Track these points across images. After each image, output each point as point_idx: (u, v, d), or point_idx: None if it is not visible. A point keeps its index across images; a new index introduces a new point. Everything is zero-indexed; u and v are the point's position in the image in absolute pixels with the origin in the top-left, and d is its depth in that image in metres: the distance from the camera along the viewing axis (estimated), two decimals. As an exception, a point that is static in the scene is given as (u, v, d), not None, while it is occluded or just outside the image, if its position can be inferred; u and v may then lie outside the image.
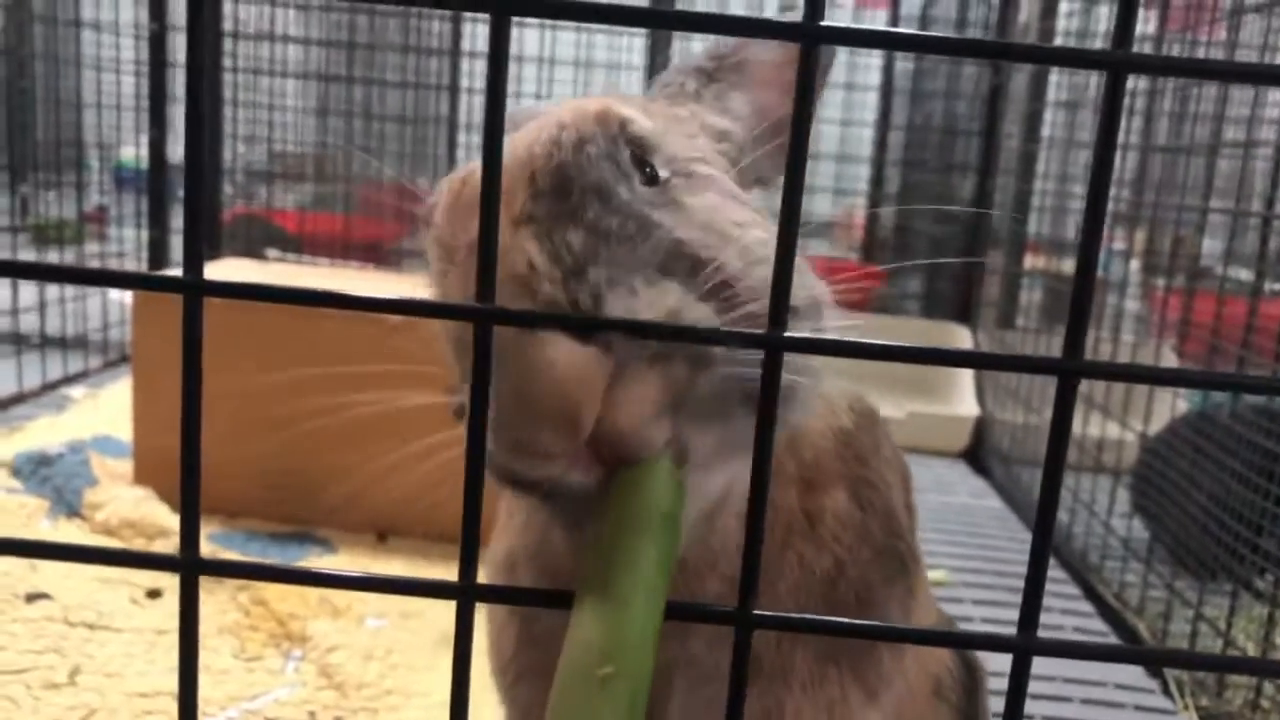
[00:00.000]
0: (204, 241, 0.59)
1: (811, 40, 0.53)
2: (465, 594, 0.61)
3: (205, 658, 1.85)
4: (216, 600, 2.04)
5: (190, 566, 0.60)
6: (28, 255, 4.12)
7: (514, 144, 0.71)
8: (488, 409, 0.57)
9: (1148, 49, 3.84)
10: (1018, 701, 0.57)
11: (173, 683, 1.96)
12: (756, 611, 0.59)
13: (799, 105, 0.56)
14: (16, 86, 3.53)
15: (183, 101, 0.55)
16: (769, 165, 0.91)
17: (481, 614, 1.06)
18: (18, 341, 3.40)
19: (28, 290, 3.84)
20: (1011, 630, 0.58)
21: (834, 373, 0.78)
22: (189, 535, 0.60)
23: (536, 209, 0.67)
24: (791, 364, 0.62)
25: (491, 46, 0.54)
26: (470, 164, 0.73)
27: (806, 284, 0.74)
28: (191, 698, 0.63)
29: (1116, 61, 0.52)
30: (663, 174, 0.73)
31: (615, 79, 4.67)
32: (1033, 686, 2.05)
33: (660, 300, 0.64)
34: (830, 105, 4.70)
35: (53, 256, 4.38)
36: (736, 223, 0.73)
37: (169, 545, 2.18)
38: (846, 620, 0.67)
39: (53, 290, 3.99)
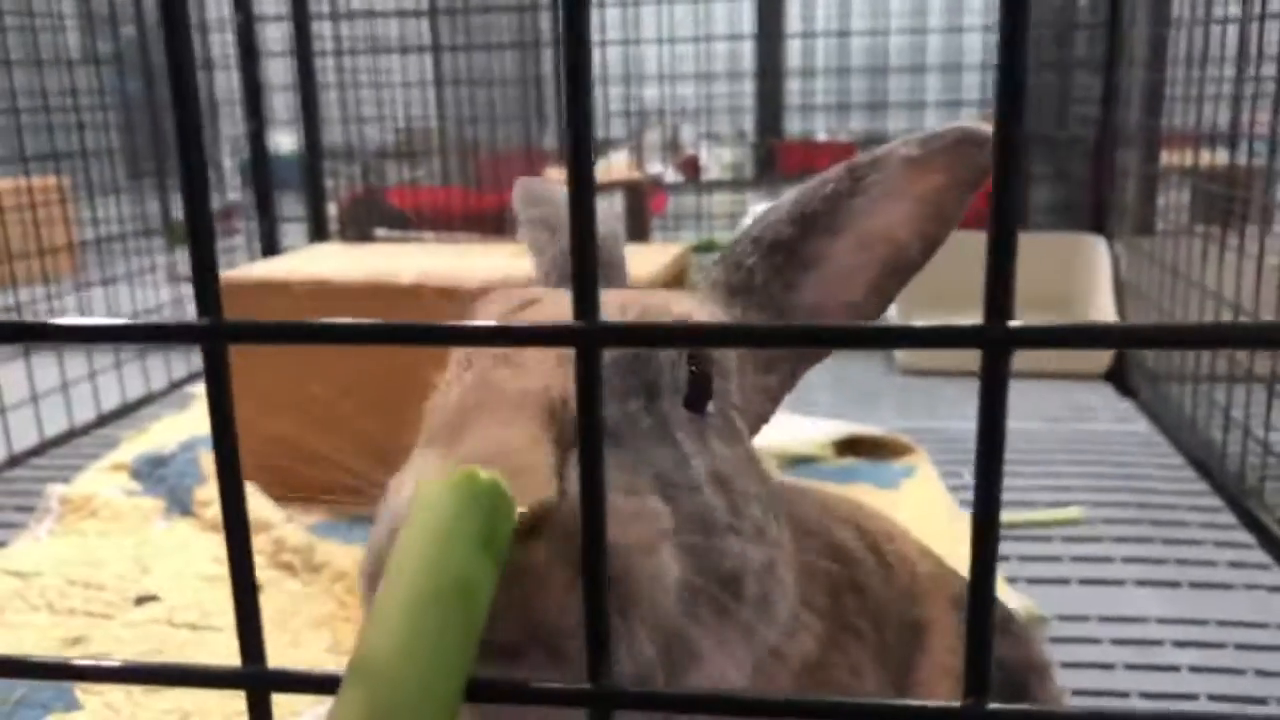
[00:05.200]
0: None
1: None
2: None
3: (296, 653, 1.85)
4: (310, 592, 2.04)
5: (213, 333, 0.50)
6: (161, 259, 4.28)
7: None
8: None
9: None
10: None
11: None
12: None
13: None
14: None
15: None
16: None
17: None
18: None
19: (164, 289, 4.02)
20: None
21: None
22: (203, 296, 0.49)
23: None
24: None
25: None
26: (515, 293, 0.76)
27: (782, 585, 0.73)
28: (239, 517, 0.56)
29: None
30: (710, 408, 0.72)
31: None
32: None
33: (646, 514, 0.61)
34: (935, 12, 4.41)
35: (181, 257, 4.55)
36: (739, 510, 0.69)
37: (269, 539, 2.18)
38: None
39: (186, 286, 4.12)
